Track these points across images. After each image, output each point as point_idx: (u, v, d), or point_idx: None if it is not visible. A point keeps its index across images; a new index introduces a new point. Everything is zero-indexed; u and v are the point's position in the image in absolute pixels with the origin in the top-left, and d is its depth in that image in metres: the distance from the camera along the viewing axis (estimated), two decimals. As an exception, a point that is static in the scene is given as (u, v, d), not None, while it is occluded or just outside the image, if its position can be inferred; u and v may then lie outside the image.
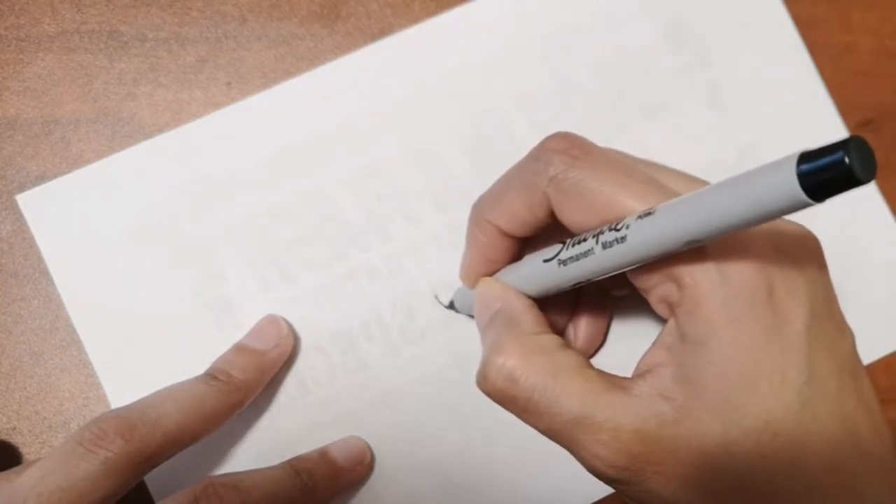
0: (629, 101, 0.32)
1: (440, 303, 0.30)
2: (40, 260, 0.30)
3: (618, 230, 0.21)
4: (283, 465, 0.28)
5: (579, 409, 0.22)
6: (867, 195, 0.33)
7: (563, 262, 0.23)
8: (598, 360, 0.29)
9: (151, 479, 0.28)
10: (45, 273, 0.30)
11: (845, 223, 0.32)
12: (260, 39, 0.32)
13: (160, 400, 0.26)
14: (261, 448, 0.29)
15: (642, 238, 0.20)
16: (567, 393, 0.22)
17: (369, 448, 0.29)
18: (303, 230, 0.30)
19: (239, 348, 0.28)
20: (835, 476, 0.21)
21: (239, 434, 0.29)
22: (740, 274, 0.20)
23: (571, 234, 0.23)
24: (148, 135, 0.31)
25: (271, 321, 0.29)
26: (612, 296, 0.29)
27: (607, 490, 0.30)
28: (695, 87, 0.32)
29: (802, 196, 0.16)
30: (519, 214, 0.25)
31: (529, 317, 0.24)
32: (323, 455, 0.28)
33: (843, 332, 0.22)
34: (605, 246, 0.21)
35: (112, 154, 0.30)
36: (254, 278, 0.30)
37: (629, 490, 0.22)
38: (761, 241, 0.21)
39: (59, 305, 0.30)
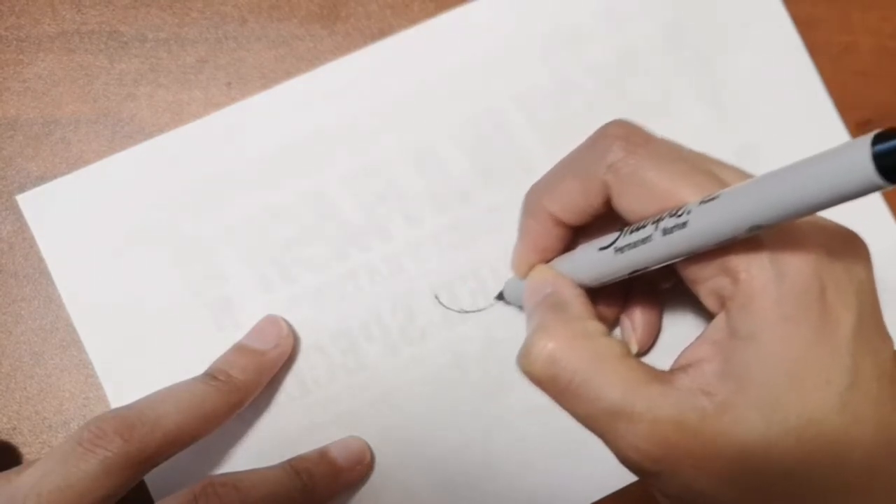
0: (629, 101, 0.32)
1: (440, 303, 0.30)
2: (40, 260, 0.30)
3: (679, 216, 0.20)
4: (282, 465, 0.28)
5: (620, 398, 0.21)
6: (867, 195, 0.33)
7: (620, 250, 0.23)
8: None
9: (151, 479, 0.28)
10: (45, 273, 0.30)
11: (845, 224, 0.32)
12: (260, 40, 0.32)
13: (160, 400, 0.26)
14: (261, 448, 0.29)
15: (704, 223, 0.20)
16: (609, 380, 0.22)
17: (369, 448, 0.29)
18: (303, 230, 0.30)
19: (239, 348, 0.28)
20: (870, 477, 0.21)
21: (239, 434, 0.29)
22: (795, 272, 0.20)
23: (624, 226, 0.23)
24: (148, 135, 0.31)
25: (271, 321, 0.29)
26: (659, 287, 0.29)
27: (607, 490, 0.30)
28: (695, 87, 0.32)
29: (876, 177, 0.16)
30: (575, 201, 0.25)
31: (578, 303, 0.24)
32: (323, 455, 0.28)
33: (885, 339, 0.22)
34: (665, 232, 0.21)
35: (112, 154, 0.30)
36: (254, 278, 0.30)
37: (663, 484, 0.22)
38: (815, 242, 0.21)
39: (60, 305, 0.30)
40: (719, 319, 0.22)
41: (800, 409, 0.20)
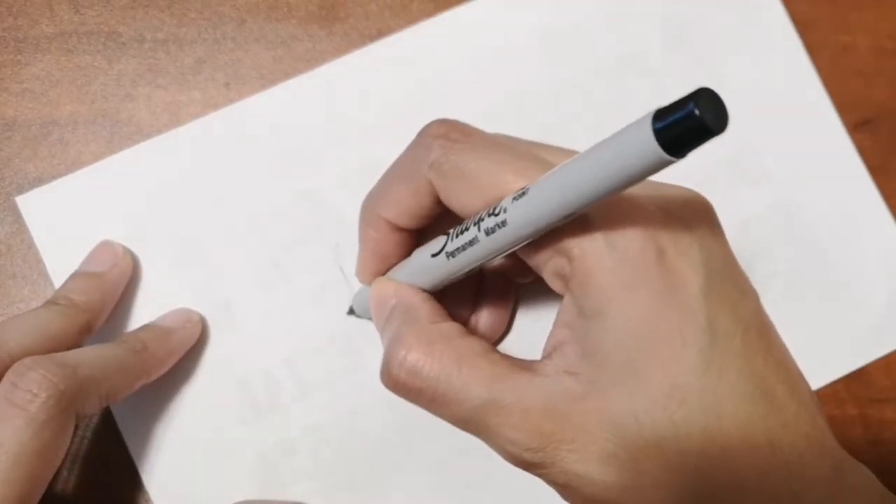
0: (629, 101, 0.32)
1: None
2: (39, 262, 0.30)
3: (497, 215, 0.20)
4: (113, 342, 0.27)
5: (486, 394, 0.21)
6: (867, 195, 0.33)
7: (451, 255, 0.23)
8: (511, 350, 0.29)
9: (150, 481, 0.28)
10: (43, 275, 0.30)
11: (844, 223, 0.32)
12: (258, 40, 0.32)
13: (1, 326, 0.25)
14: (261, 449, 0.29)
15: (521, 220, 0.20)
16: (472, 379, 0.21)
17: (194, 311, 0.29)
18: (302, 230, 0.30)
19: (75, 275, 0.28)
20: (749, 433, 0.20)
21: (239, 435, 0.29)
22: (627, 240, 0.20)
23: (461, 220, 0.23)
24: (146, 136, 0.31)
25: (105, 245, 0.29)
26: (516, 283, 0.29)
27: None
28: (694, 88, 0.32)
29: (662, 153, 0.16)
30: (406, 205, 0.24)
31: (427, 308, 0.24)
32: (148, 325, 0.28)
33: (745, 292, 0.22)
34: (487, 232, 0.21)
35: (110, 155, 0.30)
36: (253, 278, 0.30)
37: (548, 474, 0.21)
38: (648, 207, 0.20)
39: (58, 307, 0.29)
40: (566, 300, 0.21)
41: (661, 376, 0.20)
